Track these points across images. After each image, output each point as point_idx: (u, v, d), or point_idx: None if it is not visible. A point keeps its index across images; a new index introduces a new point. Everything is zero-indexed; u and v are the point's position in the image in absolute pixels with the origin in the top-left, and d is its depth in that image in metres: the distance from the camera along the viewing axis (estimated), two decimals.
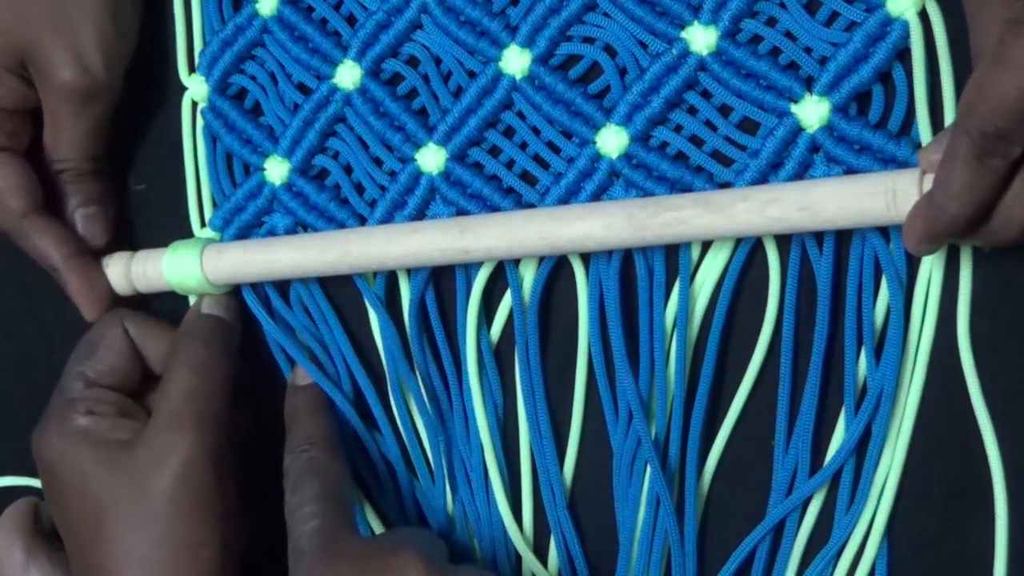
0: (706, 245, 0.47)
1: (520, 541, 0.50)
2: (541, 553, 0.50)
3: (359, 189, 0.53)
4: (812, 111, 0.44)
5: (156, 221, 0.58)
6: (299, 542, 0.46)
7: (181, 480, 0.49)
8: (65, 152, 0.55)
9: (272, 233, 0.54)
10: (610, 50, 0.48)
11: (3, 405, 0.63)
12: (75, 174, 0.56)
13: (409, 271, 0.51)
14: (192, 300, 0.55)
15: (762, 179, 0.45)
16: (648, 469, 0.47)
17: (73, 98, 0.54)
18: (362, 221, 0.52)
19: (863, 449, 0.44)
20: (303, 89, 0.54)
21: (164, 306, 0.56)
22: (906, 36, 0.43)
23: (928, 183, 0.40)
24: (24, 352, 0.62)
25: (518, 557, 0.51)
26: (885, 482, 0.44)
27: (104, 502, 0.49)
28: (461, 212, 0.50)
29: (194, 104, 0.57)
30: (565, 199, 0.48)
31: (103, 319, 0.54)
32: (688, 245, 0.46)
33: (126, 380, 0.53)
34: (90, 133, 0.55)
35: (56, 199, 0.56)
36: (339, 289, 0.54)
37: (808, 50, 0.44)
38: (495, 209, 0.49)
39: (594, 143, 0.47)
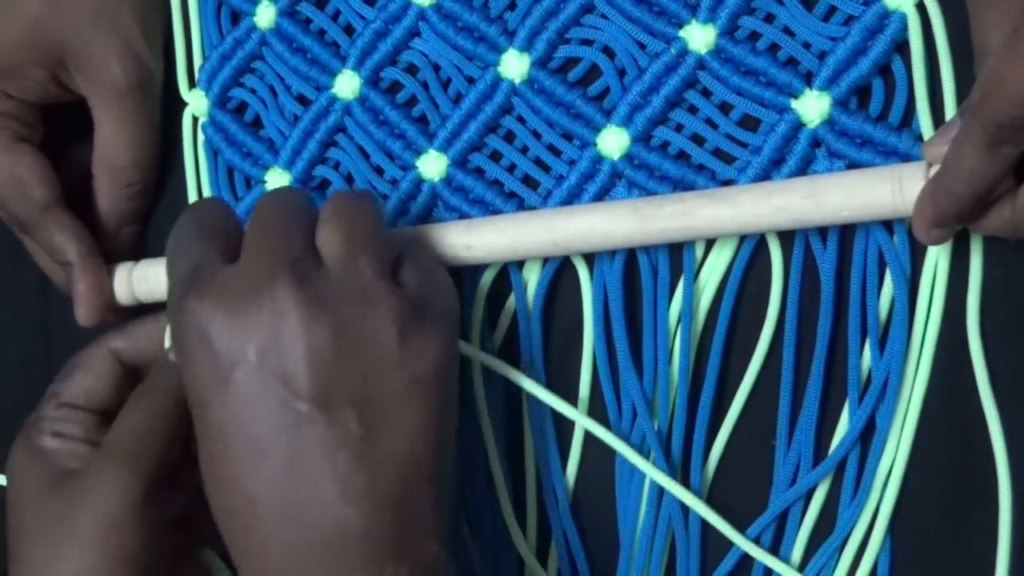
0: (710, 244, 0.47)
1: (523, 545, 0.49)
2: (543, 553, 0.50)
3: None
4: (812, 106, 0.44)
5: (157, 237, 0.58)
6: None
7: (106, 521, 0.46)
8: (128, 158, 0.55)
9: None
10: (609, 51, 0.48)
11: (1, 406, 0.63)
12: (141, 188, 0.56)
13: None
14: None
15: (764, 175, 0.44)
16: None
17: (131, 91, 0.53)
18: None
19: (867, 443, 0.44)
20: (302, 100, 0.54)
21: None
22: (904, 29, 0.43)
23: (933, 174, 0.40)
24: (22, 354, 0.62)
25: (520, 559, 0.50)
26: (889, 474, 0.43)
27: (28, 526, 0.47)
28: (463, 217, 0.50)
29: (195, 119, 0.57)
30: (568, 201, 0.48)
31: (91, 345, 0.52)
32: (692, 243, 0.46)
33: (103, 401, 0.51)
34: (148, 132, 0.55)
35: (81, 204, 0.55)
36: None
37: (807, 45, 0.45)
38: (498, 213, 0.49)
39: (595, 145, 0.47)
